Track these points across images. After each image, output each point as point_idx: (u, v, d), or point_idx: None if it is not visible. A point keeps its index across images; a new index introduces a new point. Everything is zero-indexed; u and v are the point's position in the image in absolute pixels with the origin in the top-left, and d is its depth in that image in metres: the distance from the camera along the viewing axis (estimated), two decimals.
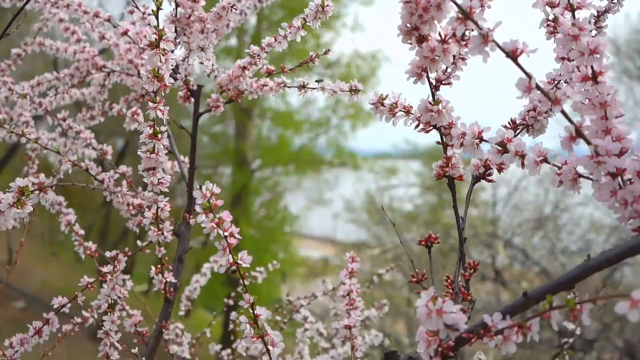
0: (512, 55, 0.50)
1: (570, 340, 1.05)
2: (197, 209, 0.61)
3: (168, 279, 0.96)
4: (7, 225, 0.70)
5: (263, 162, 11.54)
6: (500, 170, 0.67)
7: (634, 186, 0.50)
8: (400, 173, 9.95)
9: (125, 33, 1.00)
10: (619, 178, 0.51)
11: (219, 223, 0.61)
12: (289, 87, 0.94)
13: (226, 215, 0.62)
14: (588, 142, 0.50)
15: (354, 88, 0.83)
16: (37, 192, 0.67)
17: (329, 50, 0.97)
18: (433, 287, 0.51)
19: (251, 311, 0.64)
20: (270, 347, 0.63)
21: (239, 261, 0.62)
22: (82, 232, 1.09)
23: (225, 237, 0.61)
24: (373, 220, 8.72)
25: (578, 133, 0.51)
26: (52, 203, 1.12)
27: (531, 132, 0.69)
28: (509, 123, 0.69)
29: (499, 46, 0.50)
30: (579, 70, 0.55)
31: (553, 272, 6.25)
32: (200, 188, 0.60)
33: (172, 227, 0.90)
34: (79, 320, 1.10)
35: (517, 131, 0.68)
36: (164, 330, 0.97)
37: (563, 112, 0.50)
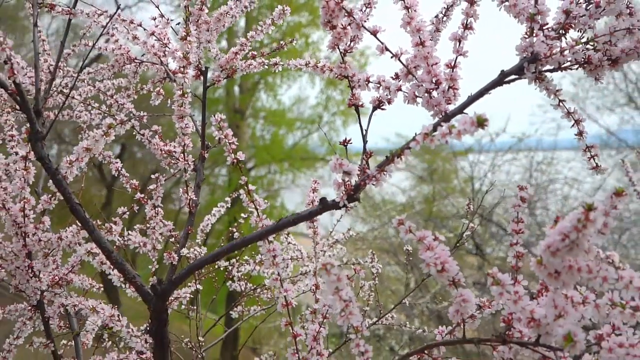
0: (373, 33, 0.98)
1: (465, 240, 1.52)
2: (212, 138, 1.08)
3: (191, 197, 1.43)
4: (99, 149, 1.17)
5: (258, 161, 12.01)
6: (389, 102, 1.15)
7: (438, 97, 0.98)
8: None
9: (152, 33, 1.47)
10: (431, 93, 0.99)
11: (226, 135, 1.09)
12: (267, 65, 1.42)
13: (229, 131, 1.09)
14: (414, 76, 0.98)
15: (308, 62, 1.30)
16: (118, 125, 1.15)
17: (293, 39, 1.45)
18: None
19: (246, 187, 1.11)
20: (257, 207, 1.11)
21: (237, 157, 1.10)
22: (128, 177, 1.56)
23: (230, 143, 1.09)
24: (368, 212, 9.10)
25: (409, 72, 0.99)
26: (103, 156, 1.59)
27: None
28: (394, 74, 1.16)
29: (365, 28, 0.97)
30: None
31: (532, 243, 6.73)
32: (213, 116, 1.08)
33: (193, 159, 1.38)
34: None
35: (400, 80, 1.16)
36: (189, 232, 1.45)
37: (401, 62, 0.98)
